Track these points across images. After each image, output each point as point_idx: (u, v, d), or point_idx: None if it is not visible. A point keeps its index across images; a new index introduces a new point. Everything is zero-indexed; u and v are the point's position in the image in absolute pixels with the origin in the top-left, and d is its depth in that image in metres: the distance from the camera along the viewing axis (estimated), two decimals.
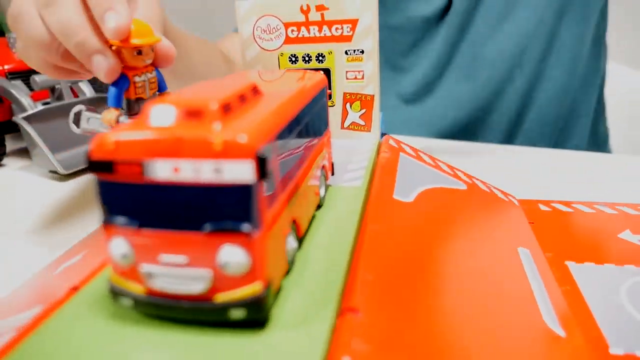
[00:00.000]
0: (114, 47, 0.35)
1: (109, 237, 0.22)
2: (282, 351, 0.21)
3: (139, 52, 0.36)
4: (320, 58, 0.46)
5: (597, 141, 0.86)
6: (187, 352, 0.22)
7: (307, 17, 0.45)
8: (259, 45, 0.47)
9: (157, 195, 0.21)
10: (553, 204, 0.48)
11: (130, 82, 0.38)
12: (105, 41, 0.35)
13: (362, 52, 0.45)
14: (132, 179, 0.21)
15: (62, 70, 0.40)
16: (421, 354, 0.23)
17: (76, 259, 0.34)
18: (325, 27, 0.45)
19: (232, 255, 0.21)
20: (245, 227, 0.21)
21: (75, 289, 0.27)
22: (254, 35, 0.47)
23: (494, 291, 0.31)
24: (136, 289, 0.23)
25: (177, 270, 0.22)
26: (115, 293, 0.23)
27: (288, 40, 0.46)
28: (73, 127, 0.40)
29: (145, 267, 0.22)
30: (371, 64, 0.46)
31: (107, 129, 0.37)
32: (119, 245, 0.22)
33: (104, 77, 0.35)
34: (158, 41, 0.36)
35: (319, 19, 0.45)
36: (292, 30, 0.46)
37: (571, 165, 0.64)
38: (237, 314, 0.22)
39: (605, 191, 0.53)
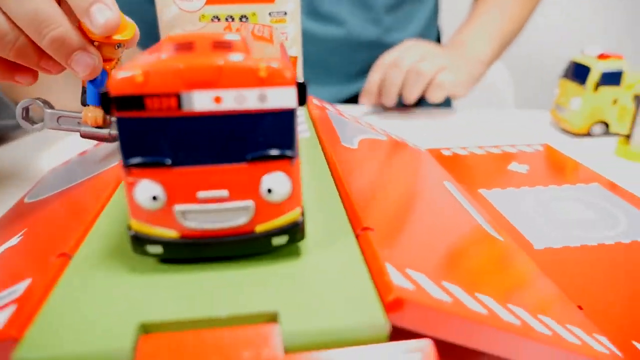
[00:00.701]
0: (95, 43, 0.33)
1: (133, 180, 0.21)
2: (327, 269, 0.23)
3: (119, 45, 0.33)
4: (244, 20, 0.46)
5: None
6: (238, 282, 0.22)
7: None
8: (178, 6, 0.45)
9: (193, 129, 0.20)
10: (453, 150, 0.56)
11: (109, 76, 0.35)
12: (84, 36, 0.32)
13: (285, 13, 0.47)
14: (165, 113, 0.20)
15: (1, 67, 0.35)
16: (427, 255, 0.26)
17: (17, 239, 0.30)
18: None
19: (276, 182, 0.22)
20: (288, 153, 0.21)
21: (63, 255, 0.24)
22: None
23: (447, 212, 0.36)
24: (166, 234, 0.22)
25: (217, 206, 0.21)
26: (140, 241, 0.22)
27: (210, 1, 0.45)
28: (23, 123, 0.36)
29: (179, 208, 0.21)
30: (294, 26, 0.47)
31: (88, 129, 0.35)
32: (148, 188, 0.21)
33: (86, 76, 0.32)
34: (135, 30, 0.34)
35: None
36: None
37: (450, 119, 0.74)
38: (279, 241, 0.23)
39: (490, 137, 0.63)
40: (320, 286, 0.21)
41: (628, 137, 0.55)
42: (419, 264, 0.24)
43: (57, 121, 0.36)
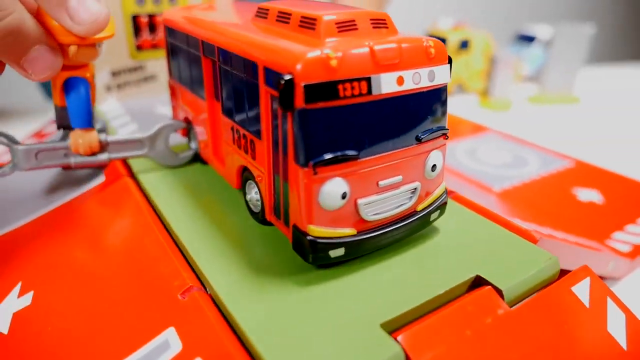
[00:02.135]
0: (65, 43, 0.25)
1: (320, 180, 0.18)
2: (474, 233, 0.24)
3: (100, 45, 0.26)
4: None
5: None
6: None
7: None
8: None
9: (378, 115, 0.19)
10: None
11: (91, 85, 0.27)
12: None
13: None
14: (354, 100, 0.18)
15: None
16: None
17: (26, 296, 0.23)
18: None
19: (437, 158, 0.22)
20: (446, 127, 0.22)
21: (188, 290, 0.20)
22: None
23: None
24: (345, 233, 0.20)
25: (393, 193, 0.21)
26: (323, 247, 0.19)
27: None
28: None
29: (363, 201, 0.20)
30: None
31: (80, 159, 0.28)
32: (338, 185, 0.19)
33: (41, 77, 0.24)
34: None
35: None
36: None
37: None
38: (434, 216, 0.23)
39: None
40: (488, 247, 0.23)
41: (484, 92, 0.67)
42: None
43: (36, 157, 0.27)
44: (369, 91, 0.18)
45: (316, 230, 0.19)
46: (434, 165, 0.22)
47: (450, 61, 0.21)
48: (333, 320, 0.18)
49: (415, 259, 0.22)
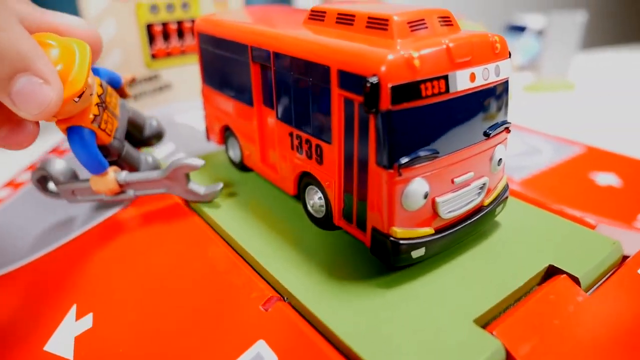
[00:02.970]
0: None
1: (405, 180, 0.18)
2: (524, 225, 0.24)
3: (79, 97, 0.22)
4: (185, 8, 0.40)
5: None
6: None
7: None
8: None
9: (452, 113, 0.19)
10: None
11: (95, 131, 0.25)
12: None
13: None
14: (434, 99, 0.18)
15: None
16: None
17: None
18: None
19: (502, 152, 0.22)
20: (509, 122, 0.22)
21: (269, 300, 0.20)
22: None
23: None
24: (425, 232, 0.20)
25: (466, 189, 0.21)
26: (405, 250, 0.19)
27: None
28: (45, 194, 0.30)
29: (441, 199, 0.20)
30: (237, 6, 0.43)
31: (109, 197, 0.28)
32: (421, 185, 0.19)
33: (36, 115, 0.20)
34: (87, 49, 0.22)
35: None
36: None
37: None
38: (499, 209, 0.23)
39: None
40: (550, 236, 0.23)
41: None
42: None
43: (73, 194, 0.28)
44: (447, 89, 0.18)
45: (399, 231, 0.19)
46: (500, 159, 0.22)
47: (510, 55, 0.21)
48: (425, 320, 0.18)
49: (486, 254, 0.22)
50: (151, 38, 0.39)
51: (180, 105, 0.43)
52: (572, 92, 0.70)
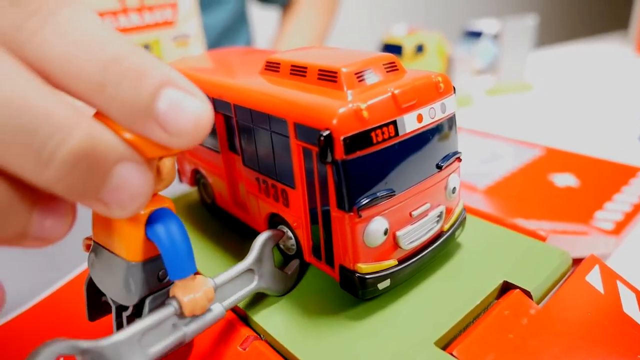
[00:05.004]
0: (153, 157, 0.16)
1: (365, 220, 0.20)
2: (483, 242, 0.26)
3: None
4: (147, 47, 0.41)
5: None
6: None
7: (124, 4, 0.38)
8: None
9: (404, 152, 0.21)
10: None
11: (173, 209, 0.18)
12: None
13: (188, 36, 0.43)
14: (384, 143, 0.20)
15: None
16: None
17: None
18: (146, 13, 0.40)
19: (455, 181, 0.24)
20: (459, 152, 0.24)
21: (246, 340, 0.21)
22: None
23: None
24: (389, 264, 0.21)
25: (424, 220, 0.22)
26: (372, 283, 0.21)
27: None
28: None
29: (401, 232, 0.21)
30: (198, 47, 0.44)
31: (195, 327, 0.19)
32: (380, 223, 0.20)
33: (131, 210, 0.15)
34: None
35: (138, 4, 0.39)
36: (109, 21, 0.38)
37: None
38: (458, 232, 0.25)
39: None
40: (506, 254, 0.25)
41: None
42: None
43: (139, 344, 0.17)
44: (396, 133, 0.20)
45: (364, 267, 0.21)
46: (454, 188, 0.23)
47: (454, 91, 0.23)
48: (391, 346, 0.20)
49: (446, 276, 0.23)
50: None
51: None
52: (530, 92, 0.73)
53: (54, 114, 0.13)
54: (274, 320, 0.22)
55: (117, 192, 0.15)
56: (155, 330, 0.18)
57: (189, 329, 0.18)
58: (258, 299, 0.23)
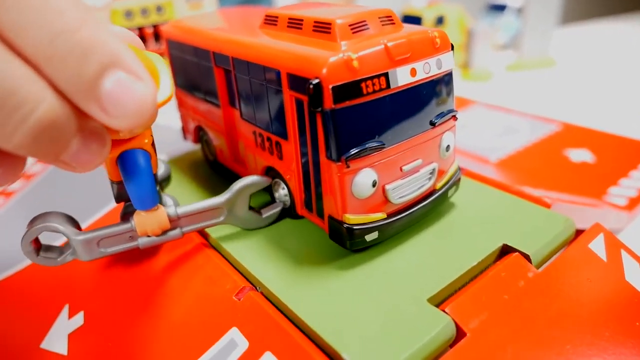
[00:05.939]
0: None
1: (353, 171, 0.20)
2: (477, 207, 0.26)
3: None
4: (160, 11, 0.41)
5: None
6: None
7: None
8: None
9: (397, 106, 0.21)
10: None
11: (152, 155, 0.22)
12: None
13: None
14: (375, 95, 0.20)
15: None
16: None
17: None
18: None
19: (450, 139, 0.23)
20: (455, 111, 0.23)
21: (242, 290, 0.21)
22: None
23: None
24: (377, 217, 0.22)
25: (415, 176, 0.22)
26: (358, 234, 0.21)
27: None
28: (38, 259, 0.22)
29: (391, 186, 0.21)
30: (212, 9, 0.44)
31: (148, 240, 0.23)
32: (368, 175, 0.20)
33: (89, 169, 0.17)
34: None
35: None
36: None
37: None
38: (452, 191, 0.25)
39: None
40: (500, 215, 0.25)
41: (465, 64, 0.69)
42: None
43: (98, 246, 0.22)
44: (388, 85, 0.20)
45: (351, 218, 0.21)
46: (448, 146, 0.23)
47: (452, 48, 0.23)
48: (382, 300, 0.20)
49: (443, 235, 0.23)
50: None
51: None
52: (553, 68, 0.71)
53: (21, 88, 0.14)
54: (270, 272, 0.22)
55: (75, 156, 0.16)
56: (116, 238, 0.23)
57: (142, 241, 0.23)
58: (253, 250, 0.24)
